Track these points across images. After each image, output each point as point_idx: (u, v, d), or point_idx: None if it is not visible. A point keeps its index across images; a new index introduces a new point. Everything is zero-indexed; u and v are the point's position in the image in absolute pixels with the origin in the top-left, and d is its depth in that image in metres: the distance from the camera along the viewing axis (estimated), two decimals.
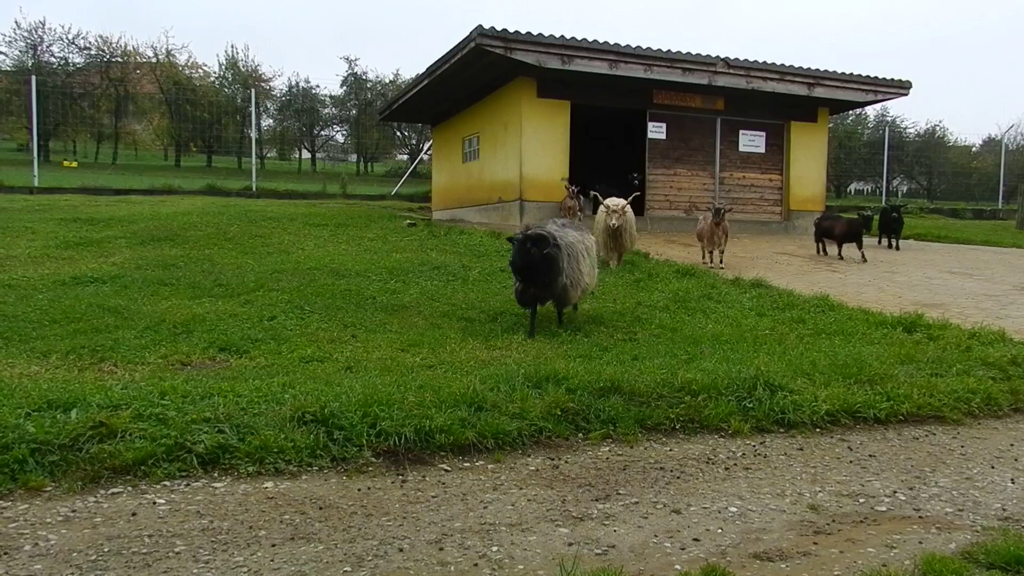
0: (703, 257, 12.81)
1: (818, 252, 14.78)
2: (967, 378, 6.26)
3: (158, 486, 4.03)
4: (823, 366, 6.31)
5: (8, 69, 40.13)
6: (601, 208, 11.90)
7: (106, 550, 3.36)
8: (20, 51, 40.69)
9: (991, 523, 3.97)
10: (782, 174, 20.10)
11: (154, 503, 3.85)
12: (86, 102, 40.90)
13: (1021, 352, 6.93)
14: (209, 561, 3.31)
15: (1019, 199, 25.93)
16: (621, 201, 11.94)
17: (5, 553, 3.27)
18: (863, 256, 14.04)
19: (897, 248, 16.43)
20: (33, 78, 25.54)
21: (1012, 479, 4.62)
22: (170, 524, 3.63)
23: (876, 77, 19.45)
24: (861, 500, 4.24)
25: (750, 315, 8.75)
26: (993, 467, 4.83)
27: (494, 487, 4.24)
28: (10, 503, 3.75)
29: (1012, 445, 5.25)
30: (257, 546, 3.46)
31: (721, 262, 12.54)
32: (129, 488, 3.99)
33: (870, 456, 4.95)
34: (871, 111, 44.87)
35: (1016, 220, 25.08)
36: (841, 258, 14.22)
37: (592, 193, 15.95)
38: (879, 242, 16.58)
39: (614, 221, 11.47)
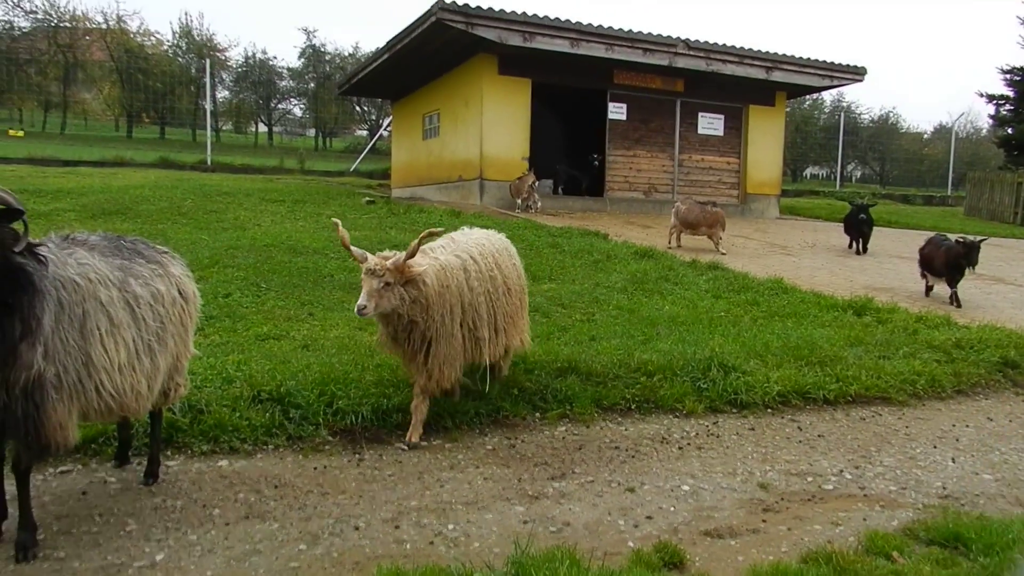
0: (669, 242, 12.65)
1: (926, 293, 9.97)
2: (913, 360, 6.44)
3: (109, 465, 3.97)
4: (776, 348, 6.44)
5: None
6: None
7: (55, 530, 3.31)
8: None
9: (932, 501, 4.12)
10: (740, 157, 20.31)
11: (105, 482, 3.80)
12: (33, 69, 39.45)
13: (965, 336, 7.15)
14: (161, 540, 3.28)
15: (967, 186, 26.62)
16: (390, 254, 4.48)
17: None
18: (955, 298, 9.38)
19: (864, 252, 13.68)
20: None
21: (953, 459, 4.79)
22: (122, 503, 3.58)
23: (832, 62, 19.71)
24: (809, 479, 4.36)
25: (706, 297, 8.87)
26: (935, 447, 4.99)
27: (451, 466, 4.26)
28: None
29: (954, 426, 5.43)
30: (211, 524, 3.44)
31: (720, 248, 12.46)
32: (79, 467, 3.93)
33: (819, 436, 5.08)
34: (827, 96, 45.58)
35: (964, 207, 25.74)
36: (958, 304, 9.23)
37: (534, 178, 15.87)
38: (849, 246, 13.94)
39: (362, 301, 4.27)
